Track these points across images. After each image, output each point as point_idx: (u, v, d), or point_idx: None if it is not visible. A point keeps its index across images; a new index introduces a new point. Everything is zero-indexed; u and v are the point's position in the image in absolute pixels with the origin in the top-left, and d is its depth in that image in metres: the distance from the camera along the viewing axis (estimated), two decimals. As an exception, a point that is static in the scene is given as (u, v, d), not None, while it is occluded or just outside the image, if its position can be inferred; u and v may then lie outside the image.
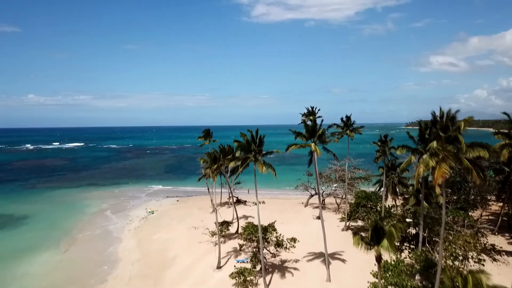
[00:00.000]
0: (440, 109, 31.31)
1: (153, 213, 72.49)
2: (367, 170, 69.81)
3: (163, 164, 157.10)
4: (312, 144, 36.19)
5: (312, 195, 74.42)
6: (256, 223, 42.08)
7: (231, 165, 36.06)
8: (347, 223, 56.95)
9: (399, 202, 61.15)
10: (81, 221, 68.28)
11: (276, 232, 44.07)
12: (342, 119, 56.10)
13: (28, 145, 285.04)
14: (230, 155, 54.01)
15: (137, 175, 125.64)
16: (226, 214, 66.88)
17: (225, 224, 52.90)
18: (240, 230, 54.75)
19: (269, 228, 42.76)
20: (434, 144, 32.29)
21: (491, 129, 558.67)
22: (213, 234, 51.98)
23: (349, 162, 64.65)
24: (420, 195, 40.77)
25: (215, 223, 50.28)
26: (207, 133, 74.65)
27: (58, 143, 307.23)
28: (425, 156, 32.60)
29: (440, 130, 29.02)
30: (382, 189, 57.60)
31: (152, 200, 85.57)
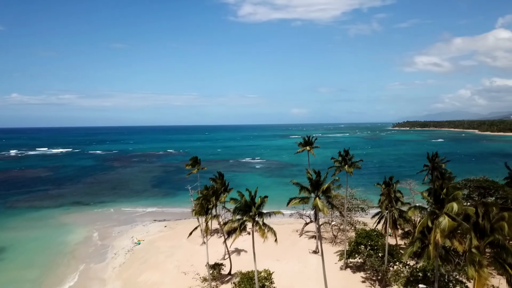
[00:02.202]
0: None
1: (139, 244, 68.48)
2: (365, 200, 67.03)
3: (149, 176, 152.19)
4: (317, 200, 32.89)
5: (307, 223, 71.25)
6: (249, 258, 38.62)
7: (227, 228, 32.50)
8: (346, 261, 54.01)
9: (398, 236, 58.66)
10: (62, 255, 63.84)
11: (273, 283, 40.84)
12: (340, 153, 53.11)
13: (12, 151, 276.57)
14: (224, 194, 50.71)
15: (123, 191, 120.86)
16: (217, 246, 63.39)
17: (217, 267, 49.36)
18: (233, 271, 51.44)
19: (265, 282, 39.40)
20: (454, 206, 29.39)
21: (476, 131, 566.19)
22: (204, 280, 48.41)
23: (348, 192, 61.77)
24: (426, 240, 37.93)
25: (206, 266, 46.82)
26: (195, 160, 70.57)
27: (42, 149, 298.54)
28: (441, 218, 29.70)
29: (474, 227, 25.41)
30: (381, 222, 55.05)
31: (139, 225, 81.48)
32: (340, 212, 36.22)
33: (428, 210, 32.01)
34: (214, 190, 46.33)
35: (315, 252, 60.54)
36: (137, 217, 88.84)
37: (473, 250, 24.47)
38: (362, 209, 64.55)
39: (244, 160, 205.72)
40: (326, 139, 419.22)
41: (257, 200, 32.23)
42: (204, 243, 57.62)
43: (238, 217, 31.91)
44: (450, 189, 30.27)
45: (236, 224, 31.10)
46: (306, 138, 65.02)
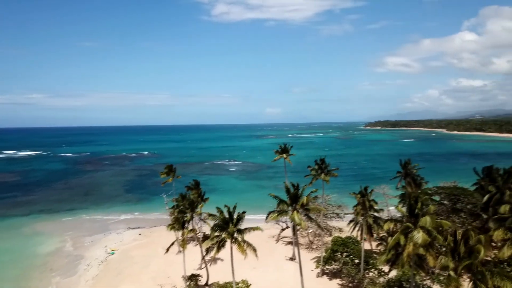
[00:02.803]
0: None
1: (113, 254, 66.94)
2: (340, 205, 67.84)
3: (122, 180, 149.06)
4: (295, 213, 32.95)
5: (283, 229, 71.46)
6: (225, 266, 38.26)
7: (205, 245, 32.07)
8: (323, 268, 54.51)
9: (374, 242, 59.66)
10: (33, 267, 61.60)
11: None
12: (316, 161, 53.55)
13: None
14: (200, 203, 50.16)
15: (95, 197, 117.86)
16: (194, 254, 62.56)
17: (194, 278, 48.81)
18: (210, 281, 51.00)
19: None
20: (427, 220, 30.06)
21: (445, 130, 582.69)
22: (181, 292, 47.82)
23: (324, 199, 62.38)
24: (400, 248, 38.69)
25: (183, 278, 46.26)
26: (170, 169, 69.48)
27: (9, 151, 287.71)
28: (415, 232, 30.32)
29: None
30: (356, 228, 55.80)
31: (112, 233, 79.68)
32: (318, 225, 36.38)
33: (403, 221, 32.53)
34: (190, 201, 45.54)
35: (291, 259, 60.81)
36: (110, 224, 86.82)
37: (451, 273, 25.06)
38: (338, 215, 65.32)
39: (219, 162, 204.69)
40: (300, 139, 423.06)
41: (236, 216, 31.88)
42: (181, 251, 56.86)
43: (216, 233, 31.53)
44: (424, 201, 30.92)
45: (215, 241, 30.71)
46: (283, 146, 65.21)
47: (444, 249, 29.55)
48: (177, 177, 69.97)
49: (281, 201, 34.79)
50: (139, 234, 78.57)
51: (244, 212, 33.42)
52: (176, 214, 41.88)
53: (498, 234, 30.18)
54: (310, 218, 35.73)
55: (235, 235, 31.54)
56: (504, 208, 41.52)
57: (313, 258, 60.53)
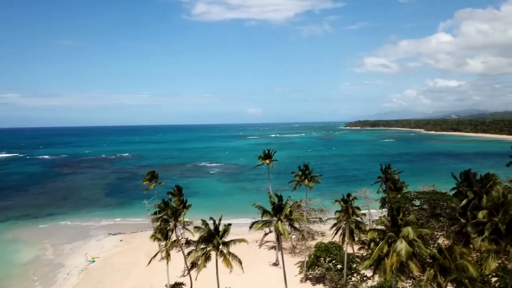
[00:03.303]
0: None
1: (93, 261, 65.76)
2: (322, 209, 68.39)
3: (102, 184, 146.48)
4: (279, 223, 33.05)
5: (266, 233, 71.54)
6: (209, 273, 37.98)
7: (190, 259, 31.80)
8: (306, 273, 54.84)
9: (356, 246, 60.37)
10: (9, 278, 59.93)
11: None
12: (299, 167, 53.87)
13: None
14: (183, 211, 49.65)
15: (74, 202, 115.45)
16: (177, 260, 61.79)
17: (177, 287, 48.32)
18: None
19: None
20: (409, 230, 30.58)
21: (422, 130, 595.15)
22: (164, 302, 47.32)
23: (307, 204, 62.76)
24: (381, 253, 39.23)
25: (166, 286, 45.79)
26: (152, 175, 68.61)
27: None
28: (398, 243, 30.79)
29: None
30: (339, 232, 56.34)
31: (92, 240, 78.29)
32: (303, 235, 36.57)
33: (386, 230, 32.98)
34: (173, 210, 45.03)
35: (275, 264, 60.98)
36: (91, 231, 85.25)
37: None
38: (320, 220, 65.86)
39: (201, 164, 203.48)
40: (282, 139, 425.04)
41: (221, 228, 31.74)
42: (163, 258, 56.27)
43: (202, 246, 31.30)
44: (405, 209, 31.40)
45: (199, 254, 30.48)
46: (266, 151, 65.33)
47: (427, 259, 30.11)
48: (159, 183, 69.08)
49: (265, 212, 34.81)
50: (120, 241, 77.44)
51: (229, 225, 33.31)
52: (159, 223, 41.31)
53: (484, 245, 30.84)
54: (294, 228, 35.84)
55: (221, 247, 31.35)
56: (482, 214, 42.46)
57: (297, 263, 60.86)
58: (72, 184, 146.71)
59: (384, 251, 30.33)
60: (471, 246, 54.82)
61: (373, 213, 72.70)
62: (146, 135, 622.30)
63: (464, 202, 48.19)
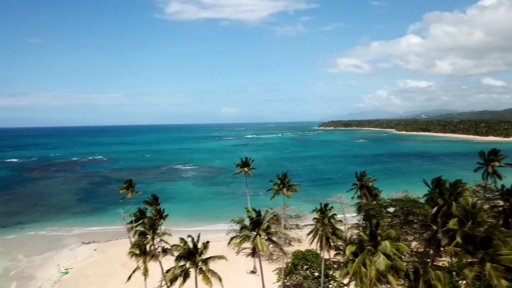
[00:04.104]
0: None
1: (67, 273, 64.07)
2: (300, 216, 69.05)
3: (74, 189, 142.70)
4: (257, 239, 33.21)
5: (240, 230, 71.52)
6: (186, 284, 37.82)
7: (169, 277, 31.51)
8: (284, 280, 55.28)
9: (332, 252, 61.22)
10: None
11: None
12: (278, 176, 54.25)
13: None
14: (160, 221, 49.05)
15: (45, 208, 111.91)
16: (153, 271, 61.08)
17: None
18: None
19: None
20: (387, 244, 31.36)
21: (394, 130, 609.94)
22: (142, 316, 46.65)
23: (284, 211, 63.24)
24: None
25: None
26: (129, 184, 67.55)
27: None
28: (377, 257, 31.50)
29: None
30: (315, 239, 57.04)
31: (65, 250, 76.20)
32: (281, 249, 36.91)
33: (363, 244, 33.67)
34: (151, 222, 44.44)
35: (253, 272, 61.17)
36: (63, 240, 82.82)
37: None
38: (297, 226, 66.50)
39: (175, 166, 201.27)
40: (258, 140, 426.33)
41: (200, 246, 31.60)
42: (139, 268, 55.48)
43: (181, 263, 31.06)
44: (380, 217, 32.15)
45: (178, 271, 30.26)
46: (244, 159, 65.48)
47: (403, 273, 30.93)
48: (136, 192, 68.06)
49: (243, 227, 34.92)
50: (95, 250, 75.73)
51: (208, 242, 33.07)
52: (136, 236, 40.68)
53: (461, 254, 31.98)
54: (272, 242, 36.12)
55: (200, 264, 31.22)
56: (453, 222, 44.04)
57: (274, 270, 61.33)
58: (42, 190, 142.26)
59: (362, 264, 30.99)
60: (442, 249, 57.01)
61: (348, 217, 74.03)
62: (119, 136, 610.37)
63: (435, 209, 49.79)
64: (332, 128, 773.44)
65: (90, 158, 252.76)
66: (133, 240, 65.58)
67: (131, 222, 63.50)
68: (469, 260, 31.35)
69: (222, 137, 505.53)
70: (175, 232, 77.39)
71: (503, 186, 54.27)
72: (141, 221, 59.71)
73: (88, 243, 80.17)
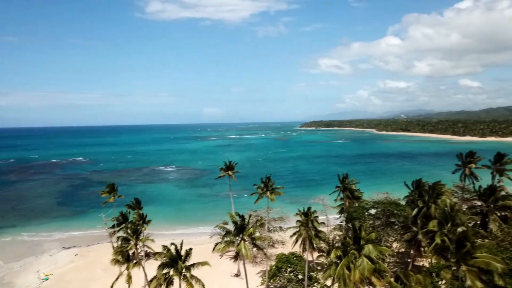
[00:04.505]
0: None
1: (47, 279, 62.85)
2: (283, 218, 69.52)
3: (54, 192, 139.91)
4: (242, 245, 33.36)
5: (224, 235, 71.51)
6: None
7: (153, 285, 31.33)
8: (268, 283, 55.57)
9: (315, 254, 61.85)
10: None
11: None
12: (262, 179, 54.54)
13: None
14: (143, 226, 48.69)
15: (23, 212, 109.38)
16: (136, 276, 60.56)
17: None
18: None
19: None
20: (370, 248, 31.94)
21: (374, 130, 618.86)
22: (124, 322, 46.21)
23: (267, 213, 63.58)
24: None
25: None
26: (112, 188, 66.71)
27: None
28: (360, 261, 32.05)
29: None
30: (299, 241, 57.55)
31: (45, 255, 74.69)
32: (265, 254, 37.16)
33: (347, 247, 34.21)
34: (134, 228, 44.03)
35: (236, 275, 61.27)
36: (42, 245, 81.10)
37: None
38: (280, 228, 66.93)
39: (157, 168, 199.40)
40: (241, 141, 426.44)
41: (183, 253, 31.49)
42: (122, 275, 54.89)
43: (164, 271, 30.92)
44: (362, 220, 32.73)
45: (162, 279, 30.13)
46: (227, 163, 65.50)
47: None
48: (119, 196, 67.25)
49: (227, 232, 35.01)
50: (76, 255, 74.47)
51: (191, 249, 32.96)
52: (119, 242, 40.27)
53: (438, 260, 32.82)
54: (257, 247, 36.32)
55: (184, 271, 31.15)
56: (432, 224, 45.14)
57: (258, 272, 61.58)
58: (20, 193, 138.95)
59: (347, 268, 31.52)
60: (422, 249, 58.32)
61: (331, 219, 74.91)
62: (100, 136, 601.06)
63: (415, 211, 50.88)
64: (314, 128, 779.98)
65: (70, 159, 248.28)
66: (115, 245, 65.02)
67: (113, 226, 62.73)
68: (445, 264, 32.17)
69: (204, 138, 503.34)
70: (157, 236, 77.09)
71: (480, 187, 55.81)
72: (123, 225, 59.37)
73: (69, 248, 78.83)
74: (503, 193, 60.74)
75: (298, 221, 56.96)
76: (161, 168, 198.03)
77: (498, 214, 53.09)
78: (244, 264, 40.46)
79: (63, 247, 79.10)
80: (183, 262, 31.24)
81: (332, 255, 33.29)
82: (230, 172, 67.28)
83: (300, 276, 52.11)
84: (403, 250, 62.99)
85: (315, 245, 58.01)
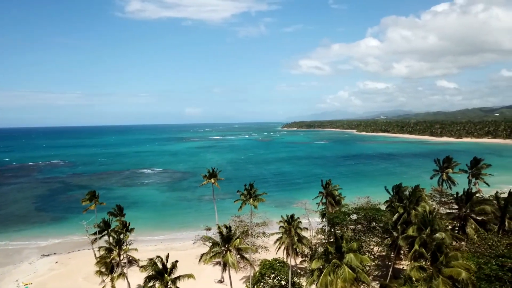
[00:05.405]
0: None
1: (27, 288, 61.67)
2: (265, 222, 70.04)
3: (31, 196, 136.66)
4: (228, 255, 33.63)
5: (210, 246, 71.58)
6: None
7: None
8: (252, 289, 55.96)
9: (298, 259, 62.66)
10: None
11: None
12: (245, 186, 54.88)
13: None
14: (126, 235, 48.34)
15: (0, 219, 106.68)
16: (119, 285, 60.13)
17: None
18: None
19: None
20: (352, 257, 32.66)
21: (355, 131, 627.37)
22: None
23: (251, 220, 63.96)
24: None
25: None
26: (92, 195, 65.82)
27: None
28: (342, 270, 32.71)
29: None
30: (282, 247, 58.12)
31: (24, 263, 73.04)
32: (250, 264, 37.55)
33: (329, 256, 34.88)
34: (117, 238, 43.65)
35: (220, 281, 61.39)
36: (21, 252, 79.32)
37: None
38: (264, 234, 67.39)
39: (138, 171, 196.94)
40: (223, 142, 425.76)
41: (169, 266, 31.53)
42: (104, 281, 54.34)
43: (150, 284, 30.89)
44: (348, 240, 33.45)
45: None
46: (211, 171, 65.49)
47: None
48: (100, 203, 66.40)
49: (214, 243, 35.21)
50: (56, 262, 73.11)
51: (177, 261, 32.98)
52: (103, 252, 39.92)
53: (414, 274, 33.76)
54: (243, 258, 36.63)
55: (169, 284, 31.20)
56: (412, 229, 46.33)
57: (242, 278, 61.85)
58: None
59: (330, 277, 32.16)
60: (402, 253, 59.74)
61: (313, 223, 75.88)
62: (79, 138, 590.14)
63: (395, 216, 52.10)
64: (295, 129, 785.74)
65: (48, 162, 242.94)
66: (97, 252, 64.29)
67: (95, 233, 61.99)
68: (424, 276, 33.06)
69: (186, 139, 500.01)
70: (140, 242, 76.75)
71: (457, 193, 57.47)
72: (105, 232, 58.79)
73: (49, 255, 77.33)
74: (478, 195, 63.07)
75: (281, 227, 57.59)
76: (142, 171, 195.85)
77: (477, 218, 54.86)
78: (229, 271, 40.73)
79: (43, 255, 77.56)
80: (169, 275, 31.29)
81: (314, 265, 33.89)
82: (213, 180, 67.32)
83: (283, 282, 52.66)
84: (384, 253, 64.37)
85: (298, 251, 58.83)
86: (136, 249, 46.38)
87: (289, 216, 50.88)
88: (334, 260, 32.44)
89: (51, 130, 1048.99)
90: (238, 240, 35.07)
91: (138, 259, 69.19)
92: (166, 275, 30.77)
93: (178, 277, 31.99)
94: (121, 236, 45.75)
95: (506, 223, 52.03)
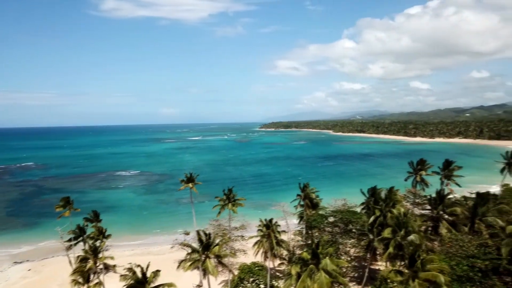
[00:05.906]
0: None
1: (-2, 298, 59.86)
2: (244, 226, 70.12)
3: (2, 201, 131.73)
4: (207, 262, 33.65)
5: (189, 253, 71.14)
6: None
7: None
8: (230, 294, 56.00)
9: (277, 262, 63.08)
10: None
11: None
12: (224, 191, 54.90)
13: None
14: (103, 241, 47.54)
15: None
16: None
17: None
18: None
19: None
20: (328, 262, 33.20)
21: (331, 131, 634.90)
22: None
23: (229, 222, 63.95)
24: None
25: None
26: (66, 201, 64.34)
27: None
28: (318, 275, 33.22)
29: None
30: (261, 251, 58.40)
31: (-5, 271, 70.93)
32: (230, 270, 37.65)
33: (307, 262, 35.38)
34: (94, 246, 42.89)
35: (199, 286, 61.22)
36: (-8, 259, 77.08)
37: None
38: (242, 237, 67.46)
39: (114, 173, 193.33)
40: (201, 143, 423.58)
41: (150, 275, 31.26)
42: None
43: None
44: (325, 245, 33.99)
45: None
46: (189, 175, 65.20)
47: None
48: (75, 209, 64.98)
49: (193, 250, 35.14)
50: (29, 270, 71.16)
51: (158, 271, 32.68)
52: (78, 264, 39.19)
53: (391, 276, 34.59)
54: (222, 265, 36.70)
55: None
56: (387, 231, 47.47)
57: (220, 283, 61.75)
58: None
59: (307, 282, 32.63)
60: (377, 254, 60.99)
61: (291, 224, 76.52)
62: (52, 139, 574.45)
63: (372, 219, 53.22)
64: (273, 129, 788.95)
65: (19, 165, 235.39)
66: (72, 259, 62.95)
67: (70, 240, 60.67)
68: (400, 279, 33.92)
69: (163, 140, 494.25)
70: (116, 247, 75.44)
71: (430, 195, 59.16)
72: (81, 238, 57.67)
73: (21, 262, 75.17)
74: (451, 196, 65.26)
75: (259, 230, 57.88)
76: (118, 173, 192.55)
77: (449, 219, 56.62)
78: (208, 277, 40.70)
79: (15, 262, 75.36)
80: (149, 284, 31.04)
81: (292, 271, 34.29)
82: (191, 185, 67.02)
83: (262, 286, 52.98)
84: (361, 254, 65.58)
85: (276, 254, 59.23)
86: (112, 257, 45.63)
87: (268, 220, 51.19)
88: (311, 266, 32.92)
89: (23, 131, 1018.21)
90: (217, 247, 35.07)
91: (115, 265, 68.09)
92: (146, 285, 30.51)
93: (158, 286, 31.73)
94: (98, 243, 44.91)
95: (476, 224, 53.89)
